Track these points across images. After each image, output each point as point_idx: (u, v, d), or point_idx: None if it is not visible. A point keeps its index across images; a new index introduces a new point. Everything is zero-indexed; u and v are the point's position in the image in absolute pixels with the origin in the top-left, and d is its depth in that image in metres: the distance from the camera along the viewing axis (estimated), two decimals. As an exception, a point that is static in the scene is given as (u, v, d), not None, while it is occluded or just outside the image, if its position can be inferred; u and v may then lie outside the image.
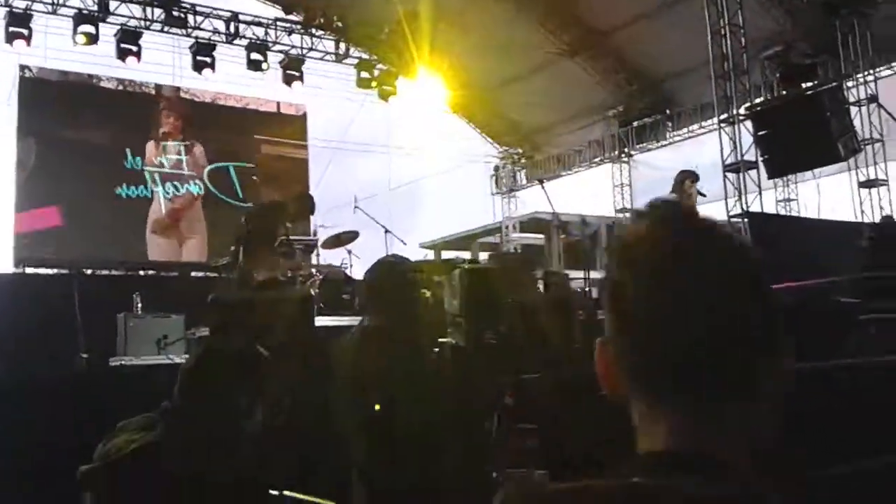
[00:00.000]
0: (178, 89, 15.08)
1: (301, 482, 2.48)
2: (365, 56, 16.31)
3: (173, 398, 2.46)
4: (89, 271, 12.60)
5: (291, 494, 2.44)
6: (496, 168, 21.43)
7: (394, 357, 3.14)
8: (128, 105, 14.70)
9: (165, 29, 14.09)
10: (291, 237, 7.78)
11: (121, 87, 14.68)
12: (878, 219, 12.58)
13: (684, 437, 0.82)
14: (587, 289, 10.54)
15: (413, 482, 2.92)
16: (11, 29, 12.44)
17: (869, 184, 13.87)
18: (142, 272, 14.00)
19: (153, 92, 15.01)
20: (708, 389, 0.82)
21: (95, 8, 13.09)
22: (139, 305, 6.56)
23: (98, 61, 13.98)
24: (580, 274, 11.15)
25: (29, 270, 12.85)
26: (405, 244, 9.70)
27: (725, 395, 0.82)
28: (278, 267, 6.93)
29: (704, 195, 8.05)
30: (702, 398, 0.82)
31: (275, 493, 2.40)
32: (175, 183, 14.80)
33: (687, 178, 7.62)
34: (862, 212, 13.89)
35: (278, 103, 16.14)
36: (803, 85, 13.63)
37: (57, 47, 13.43)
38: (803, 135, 12.26)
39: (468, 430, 4.31)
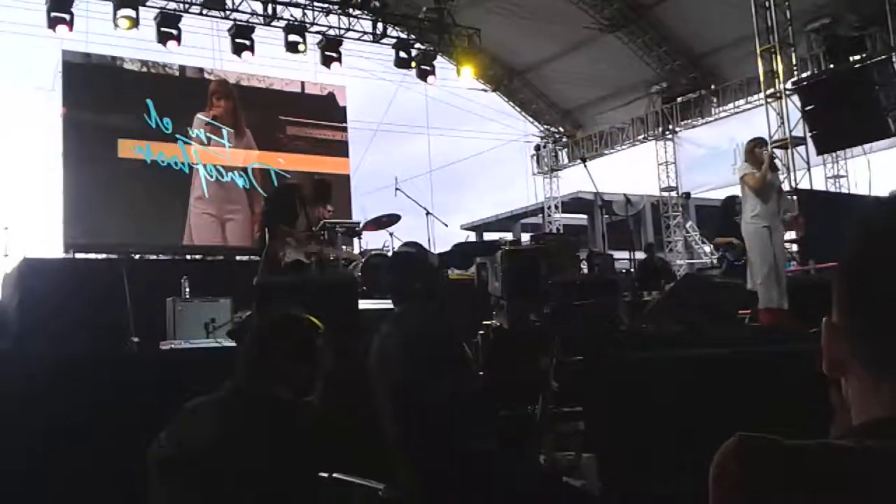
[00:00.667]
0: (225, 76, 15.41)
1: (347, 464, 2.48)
2: (403, 36, 16.24)
3: (235, 377, 2.46)
4: (137, 256, 12.80)
5: (342, 477, 2.43)
6: (537, 147, 21.28)
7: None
8: (178, 88, 15.02)
9: (204, 12, 14.17)
10: (332, 220, 7.84)
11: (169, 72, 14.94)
12: (931, 194, 12.26)
13: None
14: (631, 269, 10.46)
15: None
16: (53, 14, 12.57)
17: (921, 158, 13.54)
18: (188, 256, 14.19)
19: (200, 76, 15.25)
20: None
21: (135, -9, 13.19)
22: (187, 290, 6.63)
23: (139, 45, 14.17)
24: (625, 255, 11.06)
25: (79, 256, 13.10)
26: (447, 226, 9.67)
27: None
28: (305, 247, 7.00)
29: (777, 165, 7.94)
30: None
31: (324, 475, 2.39)
32: (220, 167, 14.99)
33: (756, 146, 7.48)
34: (914, 187, 13.55)
35: (302, 83, 16.24)
36: (851, 58, 13.29)
37: (99, 32, 13.63)
38: (852, 109, 12.03)
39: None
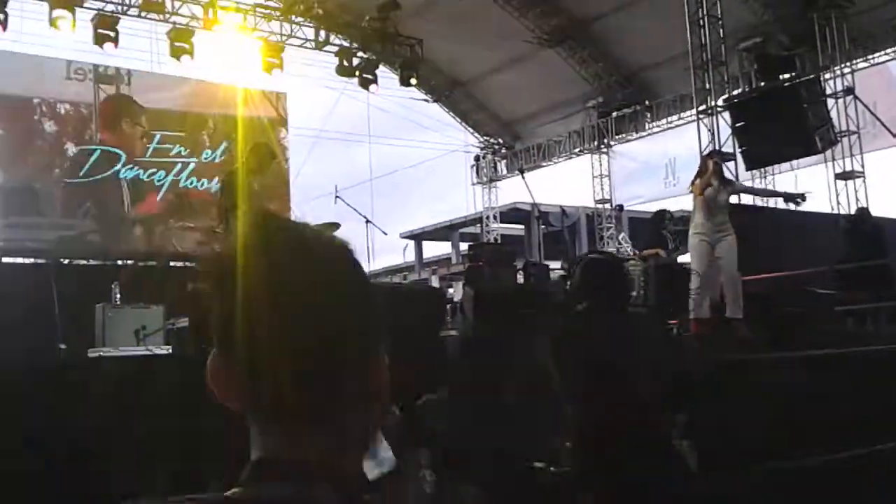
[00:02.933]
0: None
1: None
2: (346, 44, 16.22)
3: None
4: (66, 261, 12.46)
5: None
6: (477, 158, 21.44)
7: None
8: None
9: (143, 14, 13.92)
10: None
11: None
12: (853, 210, 12.73)
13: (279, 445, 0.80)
14: (567, 279, 10.62)
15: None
16: (-15, 14, 12.23)
17: (845, 175, 14.04)
18: (120, 262, 13.87)
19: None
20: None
21: (71, -8, 12.91)
22: (117, 296, 6.51)
23: (76, 46, 13.85)
24: (559, 264, 11.23)
25: (5, 260, 12.69)
26: (386, 234, 9.69)
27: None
28: None
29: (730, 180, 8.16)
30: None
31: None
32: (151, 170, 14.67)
33: (709, 157, 7.75)
34: (838, 203, 14.05)
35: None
36: (781, 77, 13.73)
37: (33, 32, 13.28)
38: (781, 126, 12.38)
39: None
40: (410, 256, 30.57)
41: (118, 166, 14.23)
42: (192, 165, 14.88)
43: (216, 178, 14.07)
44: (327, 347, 0.79)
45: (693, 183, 7.41)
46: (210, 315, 0.81)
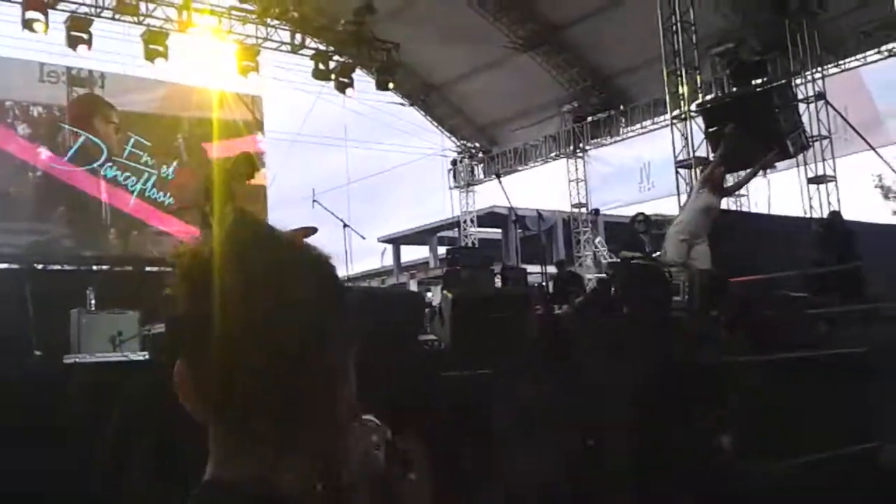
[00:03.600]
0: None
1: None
2: (321, 47, 16.18)
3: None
4: (40, 266, 12.34)
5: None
6: (454, 162, 21.47)
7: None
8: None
9: (117, 17, 13.81)
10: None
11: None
12: (826, 214, 12.89)
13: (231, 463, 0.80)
14: (544, 283, 10.67)
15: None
16: (-43, 15, 12.10)
17: (817, 180, 14.20)
18: (95, 267, 13.74)
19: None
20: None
21: (45, -6, 12.78)
22: (93, 301, 6.46)
23: (47, 49, 13.69)
24: (537, 269, 11.27)
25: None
26: (364, 238, 9.69)
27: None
28: None
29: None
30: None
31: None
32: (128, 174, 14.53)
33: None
34: (811, 207, 14.22)
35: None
36: (753, 82, 13.88)
37: (5, 34, 13.12)
38: (753, 131, 12.50)
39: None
40: (389, 261, 30.56)
41: (100, 160, 14.08)
42: (153, 178, 14.73)
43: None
44: (296, 357, 0.78)
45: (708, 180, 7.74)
46: (180, 319, 0.80)
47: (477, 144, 21.04)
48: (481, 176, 21.18)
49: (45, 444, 2.37)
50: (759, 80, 13.89)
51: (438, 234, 26.77)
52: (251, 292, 0.77)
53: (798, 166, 14.28)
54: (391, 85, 16.91)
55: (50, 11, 12.76)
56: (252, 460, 0.78)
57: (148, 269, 13.33)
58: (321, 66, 15.83)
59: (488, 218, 22.60)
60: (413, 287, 22.55)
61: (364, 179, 23.66)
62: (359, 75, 16.63)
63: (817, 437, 3.87)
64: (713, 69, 14.85)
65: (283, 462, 0.79)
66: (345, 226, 8.93)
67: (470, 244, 20.41)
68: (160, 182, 14.68)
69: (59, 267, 13.05)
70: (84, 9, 13.31)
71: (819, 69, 14.02)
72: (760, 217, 14.13)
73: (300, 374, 0.78)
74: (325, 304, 0.82)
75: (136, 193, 14.47)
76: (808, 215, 13.81)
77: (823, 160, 14.12)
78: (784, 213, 14.03)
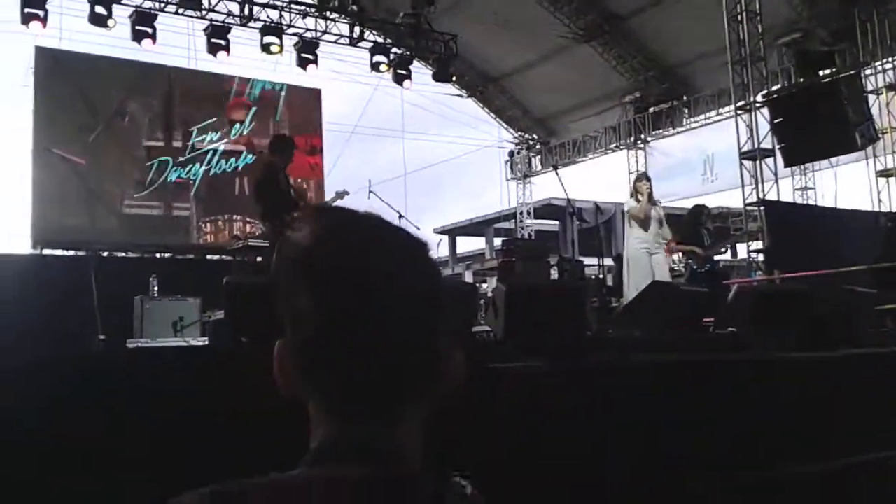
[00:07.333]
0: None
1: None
2: (380, 40, 16.27)
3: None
4: (105, 253, 12.68)
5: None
6: (511, 154, 21.39)
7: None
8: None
9: (180, 11, 14.08)
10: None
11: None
12: (895, 208, 12.50)
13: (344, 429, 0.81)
14: (601, 276, 10.58)
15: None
16: (27, 10, 12.43)
17: (886, 173, 13.80)
18: (158, 255, 14.07)
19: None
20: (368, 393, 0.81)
21: (110, -11, 13.08)
22: (155, 288, 6.61)
23: (114, 43, 14.04)
24: (594, 261, 11.17)
25: (46, 252, 12.94)
26: (419, 229, 9.68)
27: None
28: None
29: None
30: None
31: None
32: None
33: (638, 180, 8.44)
34: (879, 201, 13.82)
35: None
36: (821, 73, 13.51)
37: (72, 29, 13.48)
38: (820, 123, 12.18)
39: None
40: (444, 251, 30.62)
41: (167, 172, 14.53)
42: (221, 148, 15.07)
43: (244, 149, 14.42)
44: (407, 339, 0.80)
45: (629, 207, 8.19)
46: (280, 304, 0.82)
47: (535, 136, 20.92)
48: (539, 167, 21.05)
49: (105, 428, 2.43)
50: (826, 71, 13.51)
51: (495, 226, 26.68)
52: (361, 277, 0.79)
53: (867, 159, 13.90)
54: (453, 77, 16.92)
55: (114, 6, 13.05)
56: (357, 432, 0.80)
57: (209, 257, 13.65)
58: (379, 59, 15.91)
59: (545, 209, 22.46)
60: (468, 278, 22.58)
61: (421, 171, 23.70)
62: (416, 67, 16.67)
63: (877, 437, 3.75)
64: (779, 60, 14.49)
65: (383, 437, 0.80)
66: (400, 216, 8.95)
67: (526, 236, 20.33)
68: (229, 149, 15.15)
69: (123, 255, 13.41)
70: (148, 3, 13.60)
71: (889, 60, 13.58)
72: (825, 210, 13.79)
73: (410, 357, 0.81)
74: (433, 289, 0.85)
75: (199, 178, 14.83)
76: (876, 209, 13.42)
77: (893, 153, 13.69)
78: (852, 207, 13.66)
